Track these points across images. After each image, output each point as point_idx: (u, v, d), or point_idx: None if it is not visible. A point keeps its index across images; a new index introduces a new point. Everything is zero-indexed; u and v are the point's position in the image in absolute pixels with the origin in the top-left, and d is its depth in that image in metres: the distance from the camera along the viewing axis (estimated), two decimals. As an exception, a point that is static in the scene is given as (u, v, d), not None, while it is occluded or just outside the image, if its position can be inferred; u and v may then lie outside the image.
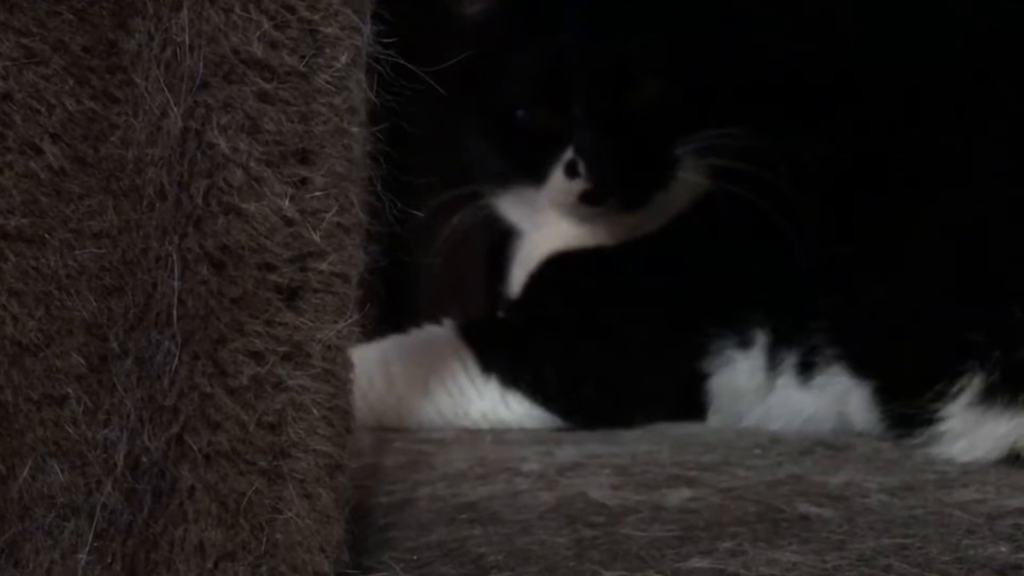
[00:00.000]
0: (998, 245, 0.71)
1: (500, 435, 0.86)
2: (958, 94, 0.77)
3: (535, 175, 0.88)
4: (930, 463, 0.72)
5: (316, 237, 0.44)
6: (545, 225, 0.92)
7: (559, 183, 0.86)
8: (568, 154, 0.85)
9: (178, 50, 0.43)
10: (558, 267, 0.91)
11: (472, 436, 0.86)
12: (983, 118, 0.75)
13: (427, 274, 0.98)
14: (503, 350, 0.87)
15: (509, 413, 0.87)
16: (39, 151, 0.44)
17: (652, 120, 0.86)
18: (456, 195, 0.93)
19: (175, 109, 0.43)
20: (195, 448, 0.42)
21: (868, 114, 0.82)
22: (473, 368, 0.87)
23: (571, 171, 0.85)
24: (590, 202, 0.86)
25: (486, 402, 0.87)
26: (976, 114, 0.75)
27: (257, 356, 0.43)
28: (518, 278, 0.95)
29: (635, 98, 0.86)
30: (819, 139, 0.82)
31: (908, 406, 0.72)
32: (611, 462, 0.74)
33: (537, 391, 0.86)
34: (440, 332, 0.90)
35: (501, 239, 0.97)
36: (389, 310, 1.06)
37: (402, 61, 0.46)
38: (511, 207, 0.94)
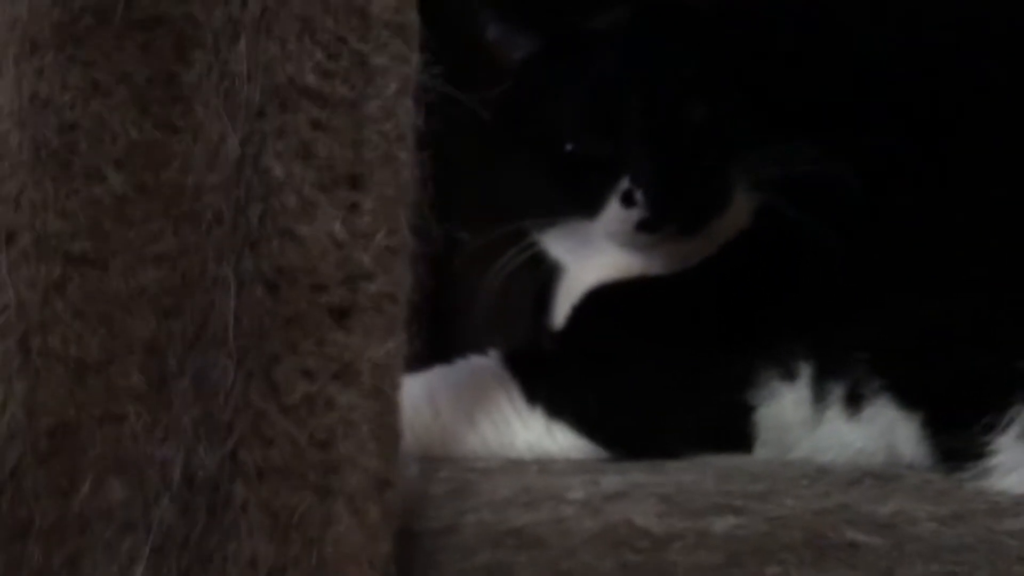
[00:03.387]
0: None
1: (545, 464, 0.86)
2: (1015, 114, 0.77)
3: (588, 208, 0.88)
4: (982, 493, 0.70)
5: (366, 259, 0.45)
6: (592, 257, 0.92)
7: (616, 213, 0.86)
8: (624, 183, 0.85)
9: (236, 80, 0.45)
10: (602, 298, 0.91)
11: (517, 465, 0.86)
12: None
13: (474, 307, 0.98)
14: (548, 381, 0.87)
15: (554, 444, 0.86)
16: (103, 178, 0.46)
17: (706, 145, 0.86)
18: (503, 234, 0.93)
19: (233, 136, 0.45)
20: (249, 464, 0.43)
21: (915, 135, 0.81)
22: (518, 399, 0.86)
23: (628, 200, 0.85)
24: (648, 230, 0.85)
25: (531, 433, 0.86)
26: None
27: (309, 374, 0.44)
28: (562, 310, 0.95)
29: (688, 124, 0.86)
30: (867, 160, 0.81)
31: (957, 439, 0.71)
32: (656, 491, 0.73)
33: (582, 422, 0.85)
34: (485, 363, 0.90)
35: (547, 273, 0.98)
36: (435, 342, 1.07)
37: (450, 90, 0.48)
38: (557, 242, 0.94)
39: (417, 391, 0.88)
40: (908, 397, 0.76)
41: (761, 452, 0.86)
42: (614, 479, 0.77)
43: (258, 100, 0.44)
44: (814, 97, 0.86)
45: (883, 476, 0.77)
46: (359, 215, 0.45)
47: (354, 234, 0.45)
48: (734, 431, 0.86)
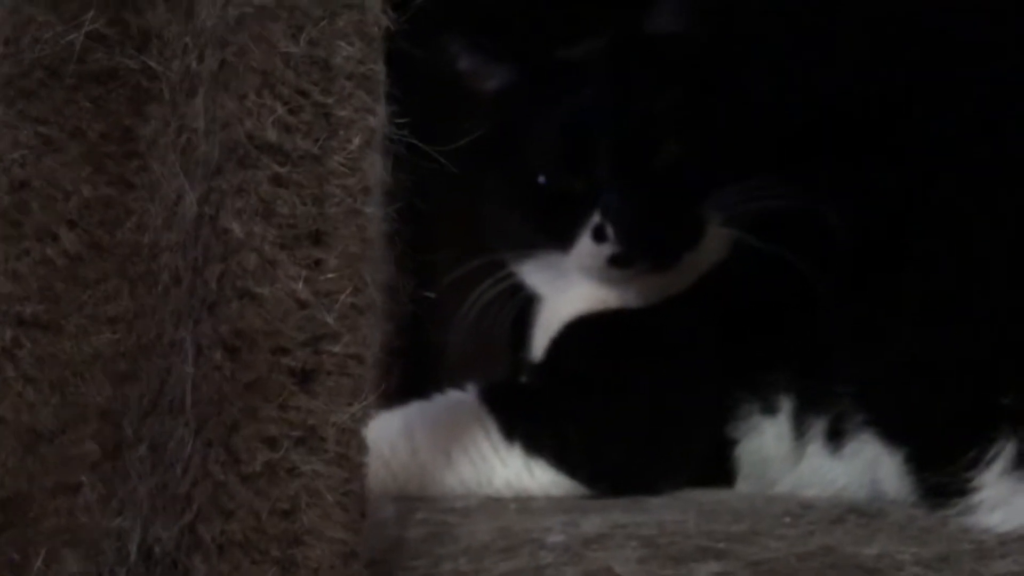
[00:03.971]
0: None
1: (524, 503, 0.85)
2: (997, 143, 0.76)
3: (561, 241, 0.87)
4: (966, 532, 0.69)
5: (330, 319, 0.44)
6: (568, 289, 0.91)
7: (587, 248, 0.85)
8: (595, 218, 0.84)
9: (193, 136, 0.43)
10: (581, 331, 0.90)
11: (496, 504, 0.84)
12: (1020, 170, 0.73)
13: (451, 340, 0.97)
14: (526, 416, 0.85)
15: (533, 481, 0.85)
16: (55, 237, 0.44)
17: (678, 179, 0.85)
18: (480, 265, 0.92)
19: (190, 194, 0.43)
20: (208, 538, 0.41)
21: (895, 167, 0.81)
22: (496, 435, 0.85)
23: (599, 235, 0.84)
24: (619, 265, 0.85)
25: (510, 470, 0.85)
26: (1014, 166, 0.74)
27: (271, 442, 0.42)
28: (540, 343, 0.94)
29: (660, 158, 0.85)
30: (846, 193, 0.81)
31: (941, 475, 0.70)
32: (637, 532, 0.72)
33: (562, 458, 0.84)
34: (463, 398, 0.88)
35: (525, 305, 0.96)
36: (412, 375, 1.06)
37: (417, 143, 0.46)
38: (534, 273, 0.93)
39: (394, 428, 0.86)
40: (891, 432, 0.75)
41: (744, 486, 0.85)
42: (595, 520, 0.76)
43: (216, 157, 0.43)
44: (791, 132, 0.86)
45: (867, 513, 0.76)
46: (322, 273, 0.44)
47: (317, 293, 0.44)
48: (716, 466, 0.85)
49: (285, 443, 0.42)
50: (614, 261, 0.84)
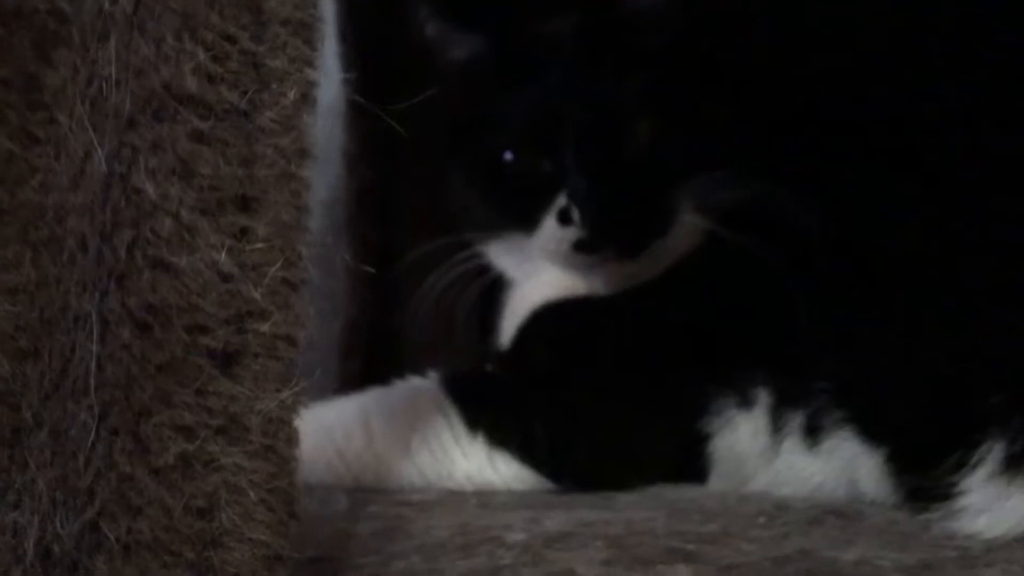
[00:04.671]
0: (1019, 303, 0.65)
1: (486, 498, 0.81)
2: (978, 136, 0.73)
3: (526, 223, 0.84)
4: (950, 538, 0.66)
5: (257, 295, 0.39)
6: (536, 273, 0.87)
7: (552, 231, 0.82)
8: (561, 201, 0.81)
9: (104, 85, 0.38)
10: (549, 318, 0.86)
11: (456, 498, 0.80)
12: (1008, 165, 0.70)
13: (413, 322, 0.93)
14: (490, 407, 0.82)
15: (496, 475, 0.81)
16: (-52, 197, 0.40)
17: (649, 164, 0.82)
18: (445, 244, 0.88)
19: (99, 150, 0.38)
20: (111, 537, 0.37)
21: (876, 157, 0.77)
22: (458, 426, 0.81)
23: (564, 218, 0.80)
24: (585, 250, 0.81)
25: (471, 463, 0.81)
26: (1000, 162, 0.71)
27: (186, 431, 0.38)
28: (508, 328, 0.90)
29: (631, 142, 0.82)
30: (829, 184, 0.77)
31: (923, 478, 0.67)
32: (603, 532, 0.68)
33: (526, 452, 0.80)
34: (424, 385, 0.84)
35: (492, 287, 0.93)
36: (371, 360, 1.01)
37: (361, 101, 0.42)
38: (501, 255, 0.89)
39: (350, 415, 0.83)
40: (870, 430, 0.72)
41: (717, 484, 0.82)
42: (559, 517, 0.72)
43: (128, 108, 0.38)
44: (772, 118, 0.82)
45: (845, 515, 0.73)
46: (250, 243, 0.39)
47: (243, 265, 0.39)
48: (688, 461, 0.81)
49: (202, 432, 0.38)
50: (579, 246, 0.80)
